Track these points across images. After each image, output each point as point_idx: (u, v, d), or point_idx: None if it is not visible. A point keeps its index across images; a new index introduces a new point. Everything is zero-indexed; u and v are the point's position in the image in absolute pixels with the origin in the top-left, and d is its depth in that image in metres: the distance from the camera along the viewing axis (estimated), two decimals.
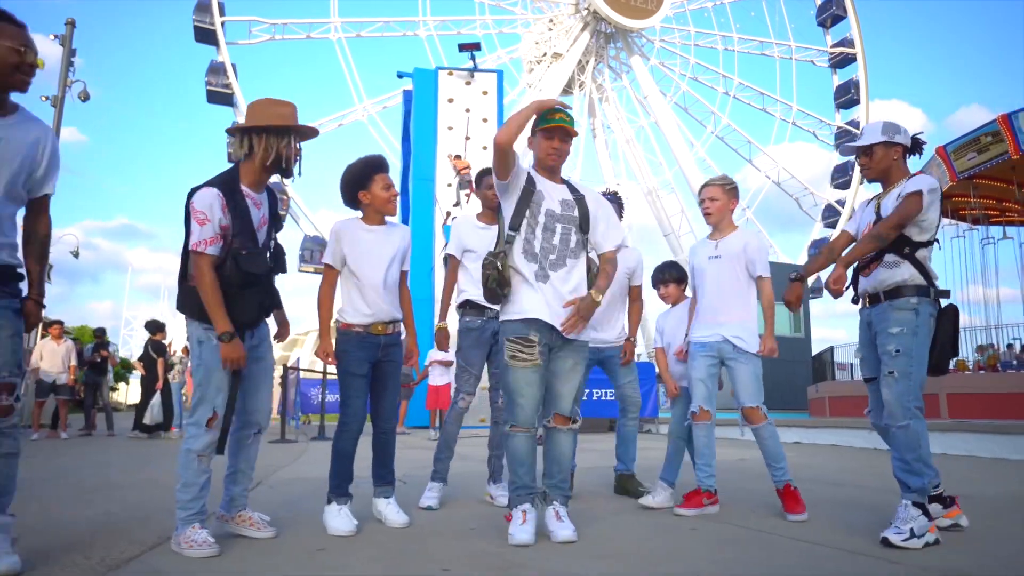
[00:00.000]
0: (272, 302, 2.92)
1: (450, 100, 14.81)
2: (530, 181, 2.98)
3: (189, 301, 2.69)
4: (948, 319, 2.93)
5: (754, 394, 3.50)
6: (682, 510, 3.47)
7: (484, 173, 4.04)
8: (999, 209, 19.99)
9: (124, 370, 36.05)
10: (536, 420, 2.94)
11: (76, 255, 19.04)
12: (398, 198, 3.37)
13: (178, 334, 14.50)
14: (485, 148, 14.75)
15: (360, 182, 3.24)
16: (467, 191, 14.13)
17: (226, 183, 2.69)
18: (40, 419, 10.65)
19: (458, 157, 13.92)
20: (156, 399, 9.89)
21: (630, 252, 4.17)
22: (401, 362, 3.37)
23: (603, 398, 10.76)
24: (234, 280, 2.65)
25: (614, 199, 4.33)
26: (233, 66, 33.92)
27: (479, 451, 4.06)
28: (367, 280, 3.18)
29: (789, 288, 3.22)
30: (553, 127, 2.98)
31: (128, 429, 10.60)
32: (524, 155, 3.23)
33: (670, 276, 4.13)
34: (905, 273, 2.90)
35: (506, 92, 16.26)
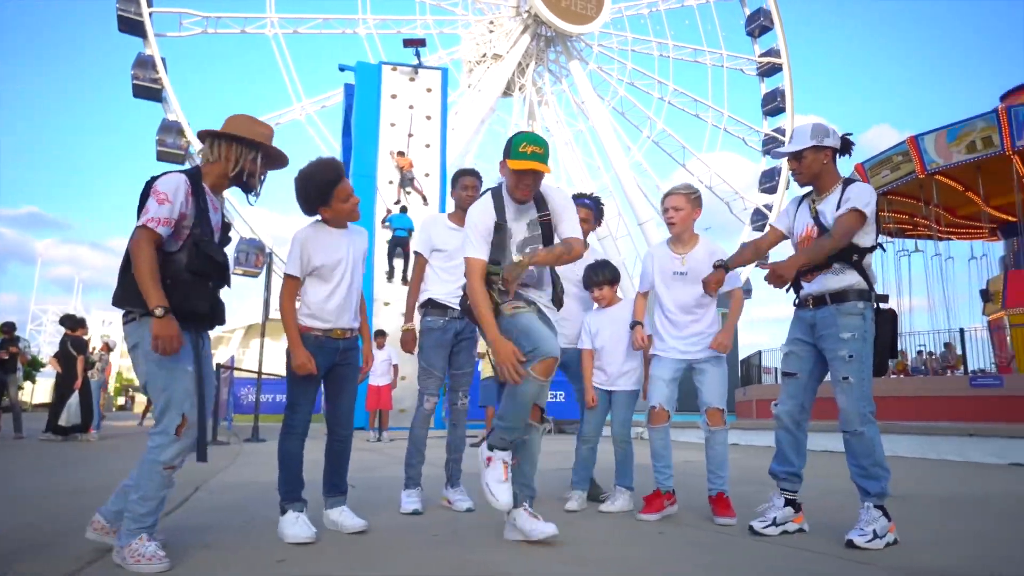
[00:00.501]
0: (223, 310, 2.72)
1: (393, 96, 14.55)
2: (500, 215, 3.00)
3: (129, 295, 2.46)
4: (888, 322, 3.00)
5: (721, 396, 3.54)
6: (645, 516, 3.45)
7: (461, 174, 3.98)
8: (911, 224, 21.28)
9: (31, 368, 33.89)
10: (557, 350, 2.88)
11: None
12: (359, 202, 3.20)
13: (95, 331, 13.69)
14: (428, 146, 14.59)
15: (321, 198, 3.06)
16: (409, 189, 13.92)
17: (193, 176, 2.59)
18: None
19: (401, 154, 13.68)
20: (74, 399, 9.24)
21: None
22: (358, 366, 3.25)
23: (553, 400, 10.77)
24: (194, 265, 2.51)
25: (594, 203, 4.26)
26: (163, 60, 32.39)
27: (435, 453, 3.95)
28: (336, 284, 3.07)
29: (711, 273, 3.24)
30: (524, 170, 2.88)
31: (39, 431, 9.90)
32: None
33: (603, 278, 3.96)
34: (851, 279, 2.96)
35: (448, 92, 16.10)
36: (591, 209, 4.19)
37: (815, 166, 3.06)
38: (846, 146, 3.13)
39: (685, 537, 3.02)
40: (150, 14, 32.02)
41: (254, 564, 2.49)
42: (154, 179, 2.54)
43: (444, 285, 3.76)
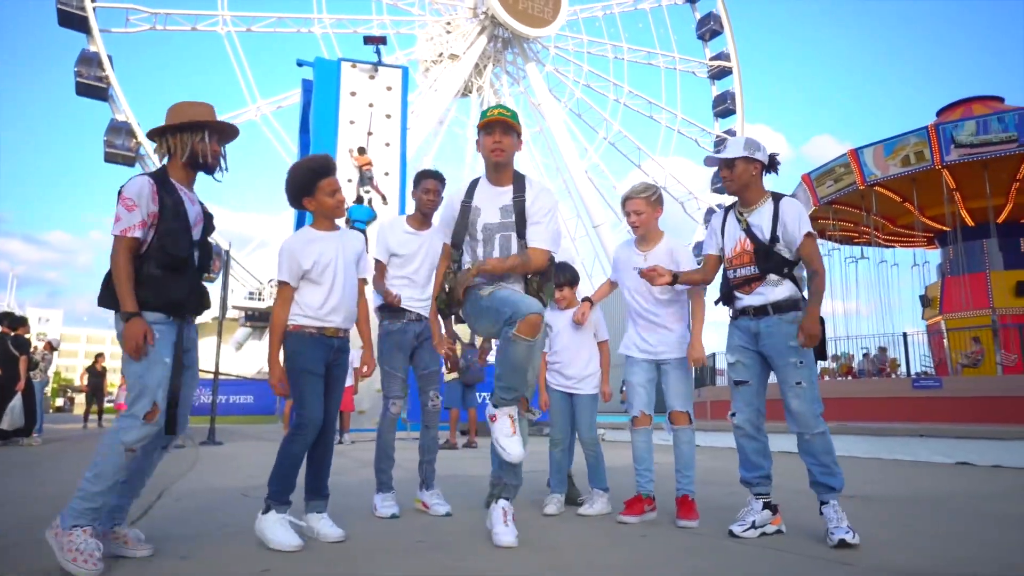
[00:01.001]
0: (204, 297, 2.74)
1: (352, 93, 14.33)
2: (468, 196, 3.10)
3: (111, 297, 2.56)
4: (820, 328, 3.11)
5: (686, 399, 3.60)
6: (626, 517, 3.48)
7: (423, 175, 3.92)
8: (856, 232, 22.11)
9: None
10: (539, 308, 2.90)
11: None
12: (344, 200, 3.22)
13: (33, 329, 13.09)
14: (388, 144, 14.42)
15: (305, 188, 3.08)
16: (368, 187, 13.74)
17: (156, 175, 2.68)
18: None
19: (361, 151, 13.49)
20: (16, 401, 8.80)
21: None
22: (347, 368, 3.23)
23: None
24: (163, 260, 2.59)
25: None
26: (109, 57, 31.20)
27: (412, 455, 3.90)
28: (330, 286, 3.05)
29: (658, 275, 3.33)
30: (491, 121, 3.01)
31: None
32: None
33: (564, 279, 3.96)
34: (789, 289, 3.11)
35: (408, 91, 15.94)
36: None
37: (744, 176, 3.20)
38: (772, 164, 3.26)
39: (668, 541, 3.05)
40: (94, 9, 30.83)
41: (237, 573, 2.42)
42: (124, 185, 2.60)
43: (401, 291, 3.72)
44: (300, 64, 14.94)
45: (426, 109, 38.13)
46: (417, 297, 3.75)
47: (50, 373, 11.23)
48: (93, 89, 30.72)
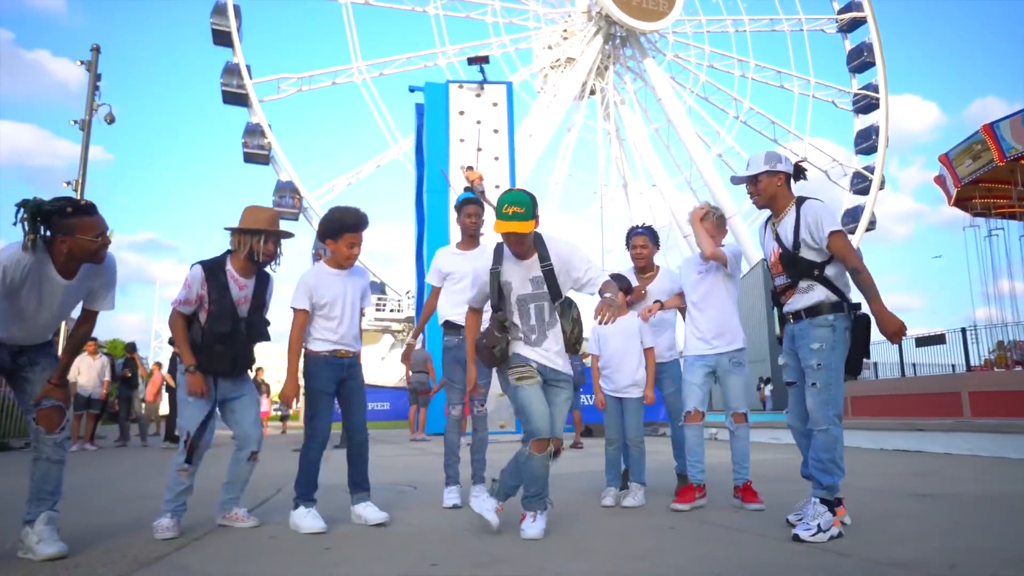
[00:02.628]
0: (248, 361, 3.56)
1: (461, 112, 15.15)
2: (495, 266, 3.29)
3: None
4: (861, 328, 3.19)
5: (743, 401, 3.96)
6: (679, 505, 3.79)
7: (465, 203, 4.36)
8: (1009, 208, 19.83)
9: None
10: (549, 430, 3.16)
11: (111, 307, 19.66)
12: (357, 257, 3.71)
13: None
14: (497, 158, 15.09)
15: (332, 233, 3.59)
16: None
17: (213, 264, 3.45)
18: (77, 432, 11.15)
19: (470, 168, 14.23)
20: None
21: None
22: (363, 379, 3.73)
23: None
24: (207, 337, 3.39)
25: (649, 231, 4.52)
26: (269, 126, 34.96)
27: (502, 456, 4.37)
28: (336, 320, 3.58)
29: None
30: (501, 232, 3.18)
31: (162, 440, 11.05)
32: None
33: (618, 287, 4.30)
34: (820, 295, 3.18)
35: (523, 101, 16.54)
36: (647, 235, 4.46)
37: (770, 189, 3.33)
38: (798, 172, 3.37)
39: (695, 532, 3.28)
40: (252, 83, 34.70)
41: (304, 552, 2.96)
42: (194, 265, 3.46)
43: (457, 307, 4.12)
44: (412, 90, 16.02)
45: (547, 116, 38.68)
46: None
47: None
48: (258, 156, 34.61)
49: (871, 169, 40.61)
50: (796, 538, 2.92)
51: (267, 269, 3.56)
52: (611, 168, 43.10)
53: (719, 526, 3.39)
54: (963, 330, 15.38)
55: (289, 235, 3.57)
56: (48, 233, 2.84)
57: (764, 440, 9.90)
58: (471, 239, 4.32)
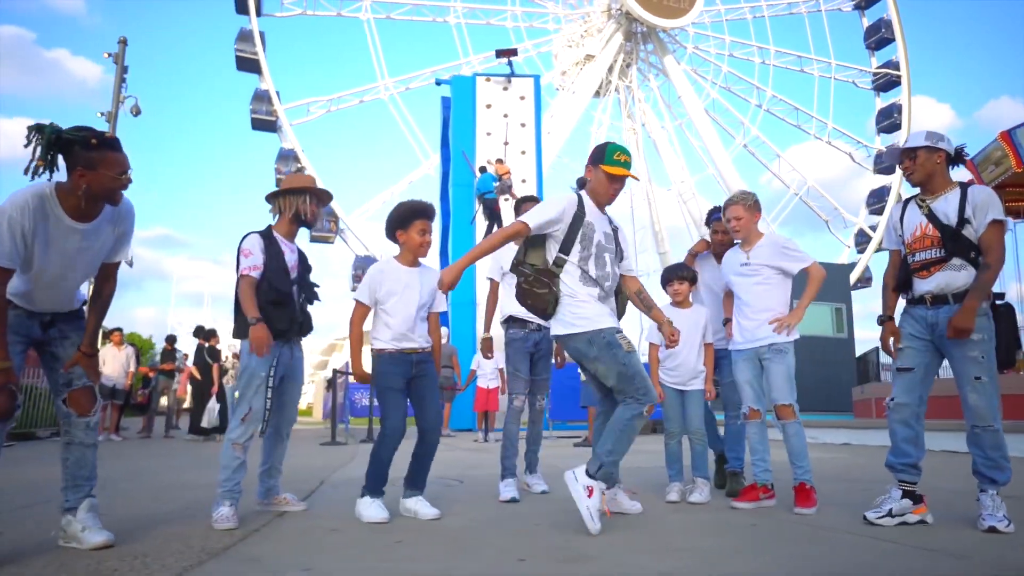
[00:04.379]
0: (306, 323, 3.58)
1: (488, 106, 15.01)
2: (580, 210, 3.24)
3: (242, 326, 3.35)
4: (1009, 318, 3.09)
5: (787, 392, 3.63)
6: (740, 504, 3.62)
7: (523, 200, 4.45)
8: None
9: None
10: None
11: (131, 264, 19.71)
12: (430, 245, 3.63)
13: (224, 340, 14.93)
14: (524, 152, 14.94)
15: (401, 223, 3.52)
16: (507, 196, 14.28)
17: (264, 233, 3.49)
18: (104, 422, 11.12)
19: (499, 161, 14.08)
20: (212, 403, 10.24)
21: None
22: (435, 375, 3.60)
23: None
24: (269, 296, 3.36)
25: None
26: (262, 34, 34.30)
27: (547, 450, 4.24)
28: (400, 317, 3.45)
29: (884, 332, 3.35)
30: (621, 176, 3.25)
31: (184, 432, 11.01)
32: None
33: (684, 274, 4.16)
34: (970, 277, 3.04)
35: (545, 103, 16.36)
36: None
37: (928, 165, 3.20)
38: (959, 155, 3.23)
39: (777, 532, 3.11)
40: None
41: (375, 544, 2.82)
42: (244, 237, 3.45)
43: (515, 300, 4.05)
44: (439, 83, 15.90)
45: (566, 113, 38.46)
46: None
47: None
48: (266, 123, 34.31)
49: (875, 228, 39.80)
50: (993, 529, 2.88)
51: (311, 230, 3.70)
52: (638, 167, 42.77)
53: (801, 524, 3.22)
54: None
55: (330, 196, 3.64)
56: (56, 170, 2.51)
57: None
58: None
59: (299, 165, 33.49)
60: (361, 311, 3.51)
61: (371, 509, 3.30)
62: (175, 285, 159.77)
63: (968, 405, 3.04)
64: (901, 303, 3.40)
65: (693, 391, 4.08)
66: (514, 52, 15.55)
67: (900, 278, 3.30)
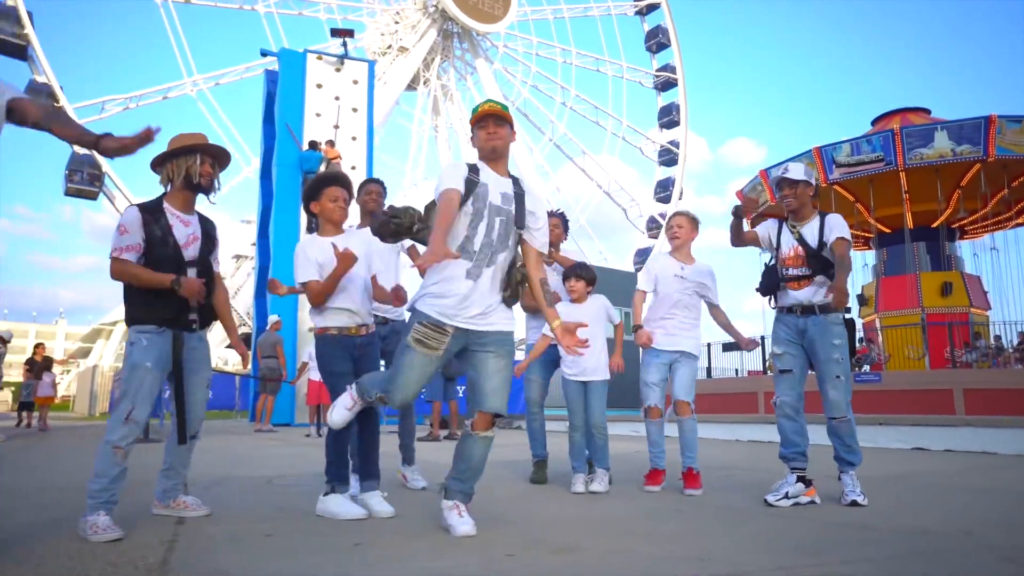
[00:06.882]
0: (206, 310, 3.15)
1: (319, 86, 14.23)
2: (475, 172, 2.89)
3: (134, 313, 3.00)
4: (852, 329, 3.73)
5: (689, 391, 4.12)
6: (649, 487, 4.10)
7: (367, 182, 4.37)
8: None
9: None
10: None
11: None
12: (344, 209, 3.49)
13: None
14: (355, 138, 14.39)
15: (313, 192, 3.45)
16: None
17: (149, 206, 3.06)
18: None
19: (331, 143, 13.41)
20: None
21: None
22: (378, 357, 3.54)
23: None
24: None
25: (561, 217, 4.80)
26: (30, 14, 29.43)
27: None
28: (351, 283, 3.30)
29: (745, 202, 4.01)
30: (484, 114, 2.94)
31: None
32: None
33: (585, 274, 4.31)
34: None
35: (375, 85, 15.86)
36: (560, 218, 4.78)
37: (804, 196, 3.76)
38: (817, 187, 3.89)
39: (709, 512, 3.37)
40: None
41: (332, 550, 2.57)
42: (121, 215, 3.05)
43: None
44: (264, 54, 14.80)
45: (376, 104, 37.67)
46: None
47: (2, 368, 10.81)
48: (11, 46, 28.85)
49: (664, 215, 44.38)
50: (855, 503, 3.41)
51: (209, 198, 3.17)
52: (425, 161, 42.88)
53: (720, 507, 3.52)
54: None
55: (227, 154, 3.21)
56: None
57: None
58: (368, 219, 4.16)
59: (21, 30, 28.36)
60: (316, 287, 3.27)
61: (344, 506, 3.13)
62: None
63: (829, 400, 3.60)
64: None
65: (595, 382, 4.21)
66: (350, 33, 14.90)
67: (767, 284, 3.84)
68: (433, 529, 2.90)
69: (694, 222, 4.32)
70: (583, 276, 4.31)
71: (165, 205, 3.06)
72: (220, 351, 37.14)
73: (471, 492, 2.91)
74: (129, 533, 2.73)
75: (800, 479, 3.56)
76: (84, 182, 28.89)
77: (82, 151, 29.15)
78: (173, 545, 2.59)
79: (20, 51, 28.84)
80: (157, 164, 3.10)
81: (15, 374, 21.77)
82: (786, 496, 3.50)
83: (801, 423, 3.67)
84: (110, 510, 2.76)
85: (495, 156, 2.95)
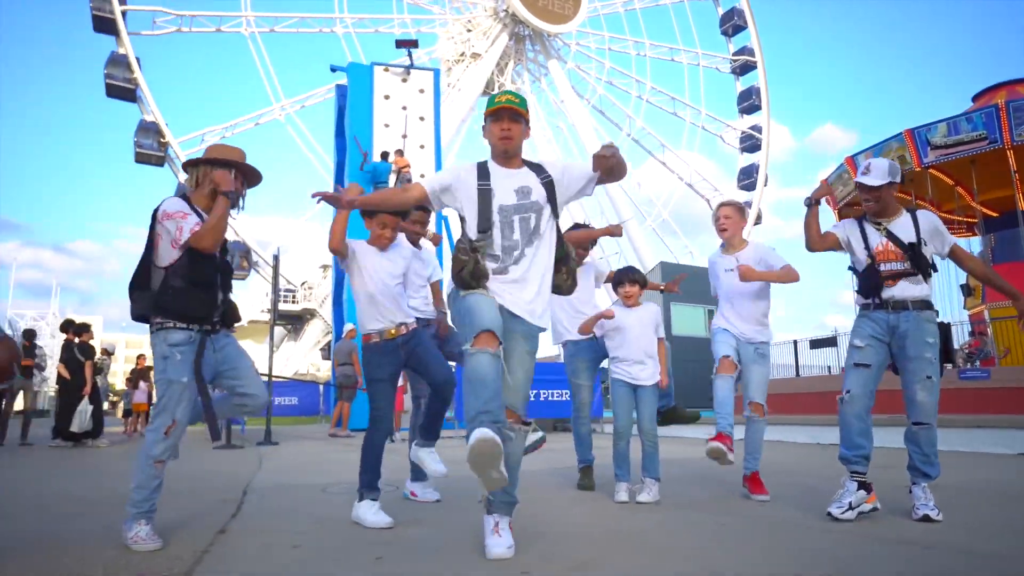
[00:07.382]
0: (229, 312, 3.11)
1: (386, 97, 14.56)
2: (483, 177, 2.85)
3: (143, 305, 2.93)
4: (946, 331, 3.49)
5: (762, 393, 4.02)
6: (714, 444, 3.81)
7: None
8: None
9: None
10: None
11: None
12: (390, 239, 3.58)
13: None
14: (423, 147, 14.63)
15: (368, 212, 3.50)
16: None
17: (185, 199, 3.03)
18: None
19: (400, 153, 13.69)
20: (84, 405, 9.13)
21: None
22: (426, 342, 3.62)
23: (551, 398, 10.87)
24: (190, 275, 2.90)
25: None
26: (137, 59, 31.76)
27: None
28: (371, 294, 3.46)
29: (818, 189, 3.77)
30: (498, 109, 2.85)
31: (47, 438, 9.78)
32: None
33: (637, 278, 4.25)
34: (927, 289, 3.42)
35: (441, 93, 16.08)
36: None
37: (887, 198, 3.54)
38: (903, 181, 3.55)
39: (751, 524, 3.18)
40: (123, 12, 31.35)
41: (354, 562, 2.58)
42: (161, 205, 2.97)
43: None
44: (333, 70, 15.23)
45: (449, 109, 38.25)
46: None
47: (109, 378, 11.59)
48: (122, 90, 31.19)
49: (749, 203, 42.84)
50: (927, 518, 3.15)
51: (232, 212, 3.14)
52: None
53: (769, 520, 3.32)
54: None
55: (259, 175, 3.22)
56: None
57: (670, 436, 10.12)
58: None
59: (130, 75, 30.46)
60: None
61: (372, 514, 3.23)
62: (7, 274, 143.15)
63: (916, 402, 3.32)
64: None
65: (647, 387, 4.08)
66: (415, 43, 15.16)
67: (868, 282, 3.53)
68: (460, 545, 2.86)
69: (741, 211, 4.29)
70: (637, 280, 4.24)
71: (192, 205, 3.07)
72: (312, 357, 38.76)
73: (513, 501, 2.78)
74: (168, 540, 2.84)
75: (861, 485, 3.31)
76: (153, 148, 30.74)
77: (149, 119, 31.31)
78: (203, 556, 2.66)
79: (130, 94, 31.15)
80: (189, 165, 3.15)
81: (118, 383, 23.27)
82: (850, 507, 3.25)
83: (868, 424, 3.39)
84: (150, 519, 2.84)
85: (507, 155, 2.91)
